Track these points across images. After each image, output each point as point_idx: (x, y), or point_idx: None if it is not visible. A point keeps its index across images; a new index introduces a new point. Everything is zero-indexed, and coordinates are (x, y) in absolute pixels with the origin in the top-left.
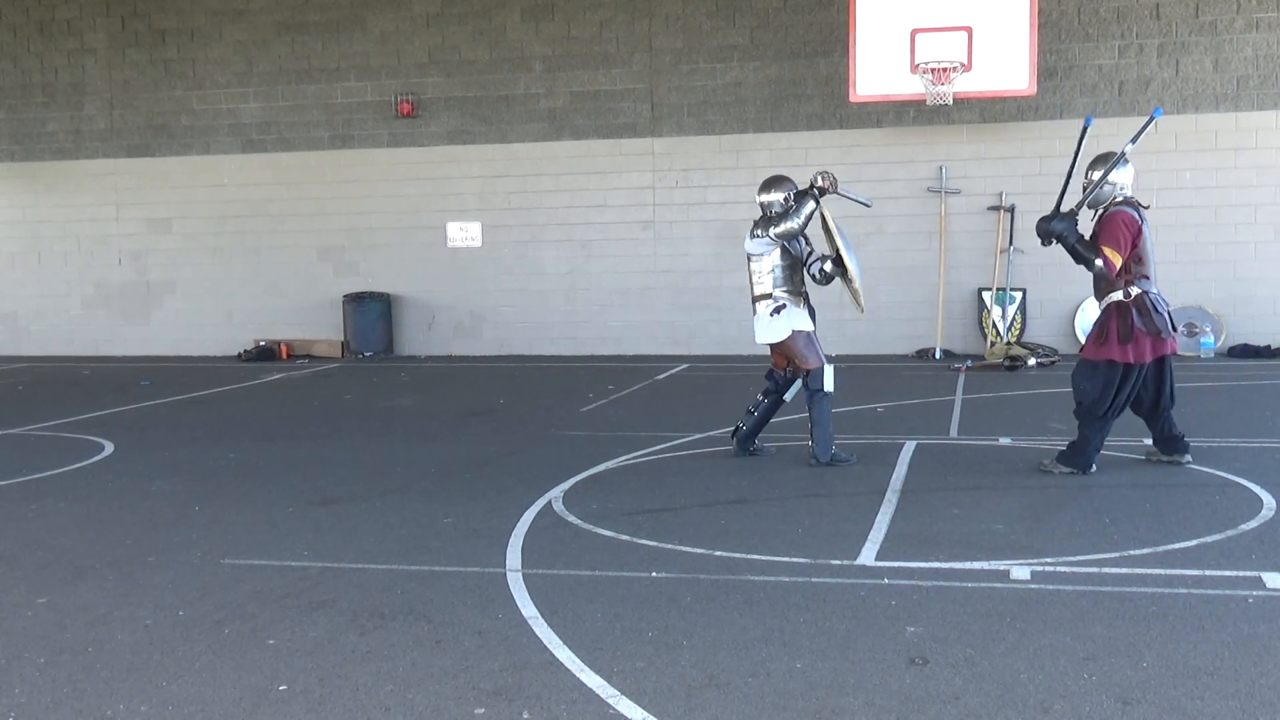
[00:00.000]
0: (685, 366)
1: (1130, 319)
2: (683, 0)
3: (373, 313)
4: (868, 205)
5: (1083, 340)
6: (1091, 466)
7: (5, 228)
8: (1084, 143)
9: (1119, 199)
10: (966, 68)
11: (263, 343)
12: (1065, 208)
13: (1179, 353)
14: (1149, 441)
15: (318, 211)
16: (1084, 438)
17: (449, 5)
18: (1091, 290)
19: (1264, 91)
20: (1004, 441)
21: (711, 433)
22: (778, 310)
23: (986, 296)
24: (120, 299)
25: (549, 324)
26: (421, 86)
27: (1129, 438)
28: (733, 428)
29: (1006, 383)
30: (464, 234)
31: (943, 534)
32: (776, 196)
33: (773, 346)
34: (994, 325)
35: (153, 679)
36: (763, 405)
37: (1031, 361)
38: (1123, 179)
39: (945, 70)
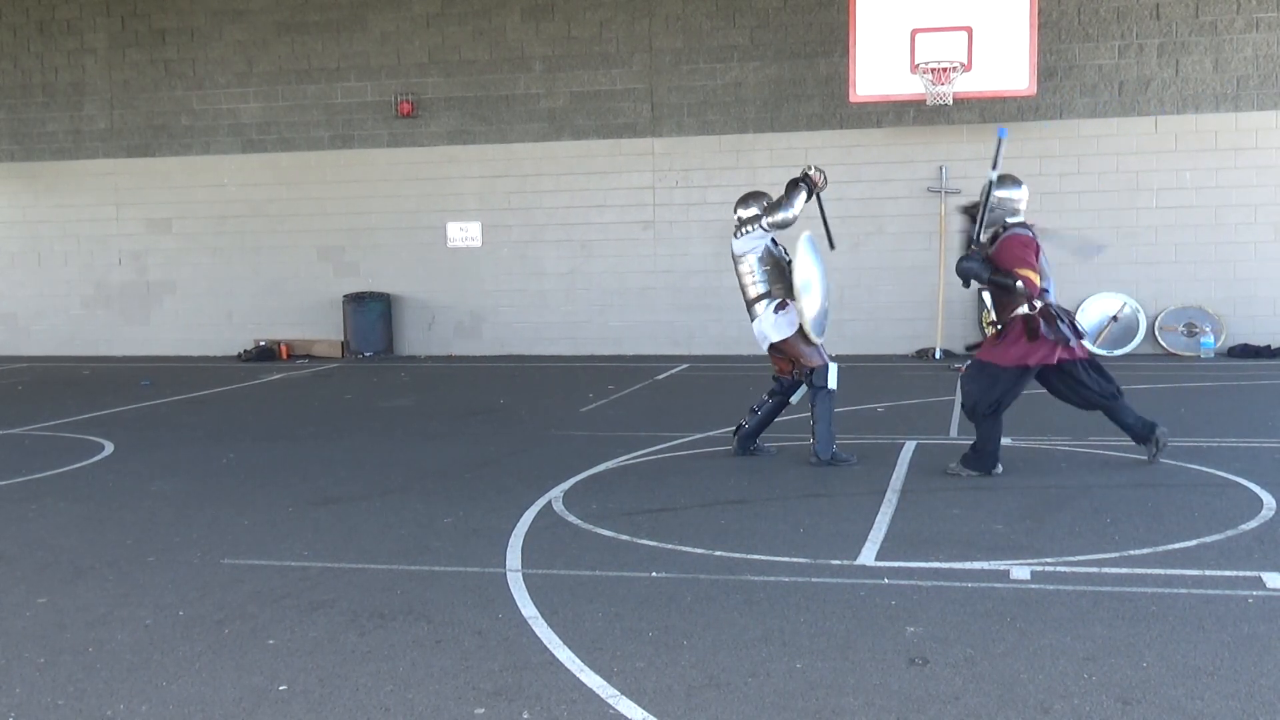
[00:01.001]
0: (685, 366)
1: (1038, 328)
2: (683, 0)
3: (373, 313)
4: (828, 236)
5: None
6: (995, 467)
7: (5, 228)
8: (1001, 155)
9: (1015, 220)
10: (966, 68)
11: (263, 343)
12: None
13: (1178, 352)
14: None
15: (318, 211)
16: (982, 438)
17: (449, 5)
18: (1091, 290)
19: (1264, 91)
20: (1004, 441)
21: (711, 433)
22: (781, 306)
23: (986, 296)
24: (120, 299)
25: (549, 324)
26: (421, 86)
27: (1129, 438)
28: (735, 426)
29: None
30: (464, 234)
31: (943, 534)
32: (754, 211)
33: (774, 350)
34: (994, 325)
35: (153, 679)
36: (767, 405)
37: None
38: (1020, 197)
39: (945, 70)
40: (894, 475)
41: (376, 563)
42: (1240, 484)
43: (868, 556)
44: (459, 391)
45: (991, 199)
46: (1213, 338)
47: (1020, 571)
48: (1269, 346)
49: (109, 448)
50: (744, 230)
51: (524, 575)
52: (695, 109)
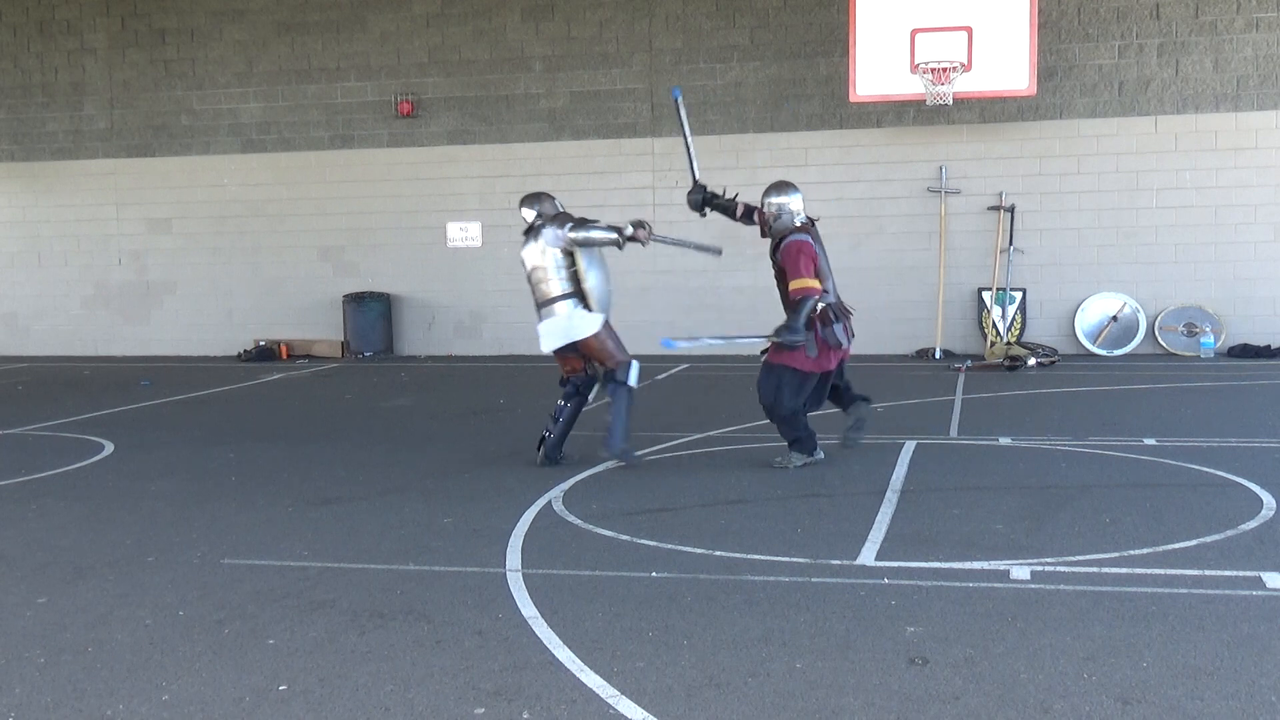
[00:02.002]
0: (685, 366)
1: (816, 332)
2: (683, 0)
3: (373, 313)
4: (713, 252)
5: (1083, 340)
6: (816, 450)
7: (5, 228)
8: (683, 113)
9: (796, 225)
10: (966, 68)
11: (263, 343)
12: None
13: (1178, 352)
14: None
15: (318, 211)
16: (789, 433)
17: (449, 5)
18: (1091, 290)
19: (1264, 91)
20: (1004, 441)
21: (711, 433)
22: (584, 306)
23: (986, 296)
24: (120, 299)
25: None
26: (421, 86)
27: (1129, 438)
28: (539, 438)
29: (1006, 383)
30: (464, 234)
31: (943, 534)
32: (549, 210)
33: (565, 350)
34: (994, 325)
35: (153, 679)
36: (566, 410)
37: (1031, 361)
38: (795, 205)
39: (945, 70)
40: (894, 475)
41: (376, 563)
42: (1240, 484)
43: (868, 556)
44: (459, 391)
45: (768, 205)
46: (1213, 338)
47: (1020, 571)
48: (1269, 346)
49: (109, 448)
50: (540, 231)
51: (524, 575)
52: (695, 109)
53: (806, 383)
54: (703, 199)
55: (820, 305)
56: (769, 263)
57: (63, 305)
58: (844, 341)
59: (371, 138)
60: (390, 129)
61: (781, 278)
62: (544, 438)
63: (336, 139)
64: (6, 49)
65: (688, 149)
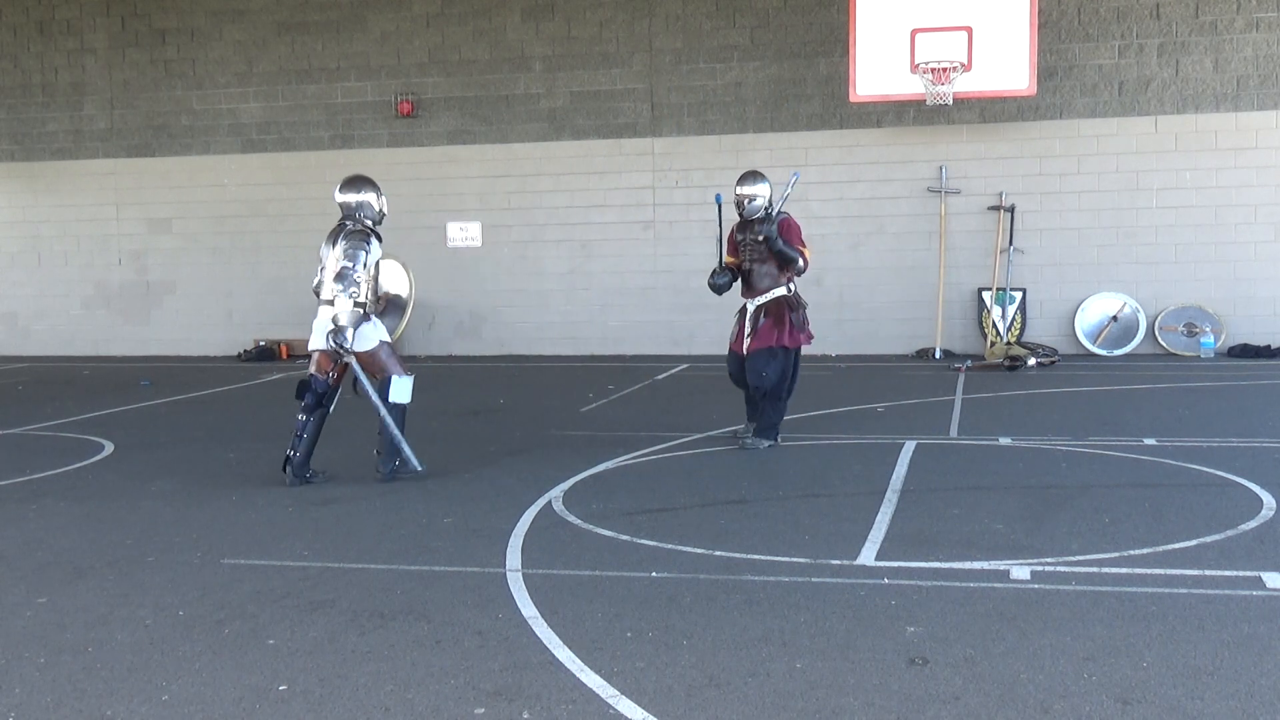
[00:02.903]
0: (685, 366)
1: (800, 311)
2: (683, 0)
3: None
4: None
5: (1083, 340)
6: (778, 435)
7: (5, 228)
8: (720, 217)
9: (770, 209)
10: (966, 68)
11: (262, 343)
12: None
13: (1178, 352)
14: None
15: (318, 211)
16: (776, 413)
17: (449, 5)
18: (1091, 290)
19: (1264, 91)
20: (1004, 441)
21: (711, 433)
22: (369, 317)
23: (986, 296)
24: (120, 299)
25: (549, 324)
26: (421, 86)
27: (1129, 438)
28: (284, 459)
29: (1006, 383)
30: (464, 234)
31: (943, 534)
32: (365, 197)
33: (325, 354)
34: (994, 325)
35: (153, 679)
36: (309, 425)
37: (1031, 361)
38: (766, 193)
39: (945, 70)
40: (894, 475)
41: (376, 563)
42: (1240, 484)
43: (868, 556)
44: (459, 391)
45: (740, 194)
46: (1213, 338)
47: (1020, 571)
48: (1269, 346)
49: (109, 448)
50: (369, 230)
51: (524, 575)
52: (695, 109)
53: (796, 361)
54: (728, 281)
55: (793, 288)
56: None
57: (63, 305)
58: (808, 324)
59: (371, 138)
60: (390, 129)
61: (760, 257)
62: (289, 458)
63: (336, 139)
64: (6, 49)
65: (720, 244)
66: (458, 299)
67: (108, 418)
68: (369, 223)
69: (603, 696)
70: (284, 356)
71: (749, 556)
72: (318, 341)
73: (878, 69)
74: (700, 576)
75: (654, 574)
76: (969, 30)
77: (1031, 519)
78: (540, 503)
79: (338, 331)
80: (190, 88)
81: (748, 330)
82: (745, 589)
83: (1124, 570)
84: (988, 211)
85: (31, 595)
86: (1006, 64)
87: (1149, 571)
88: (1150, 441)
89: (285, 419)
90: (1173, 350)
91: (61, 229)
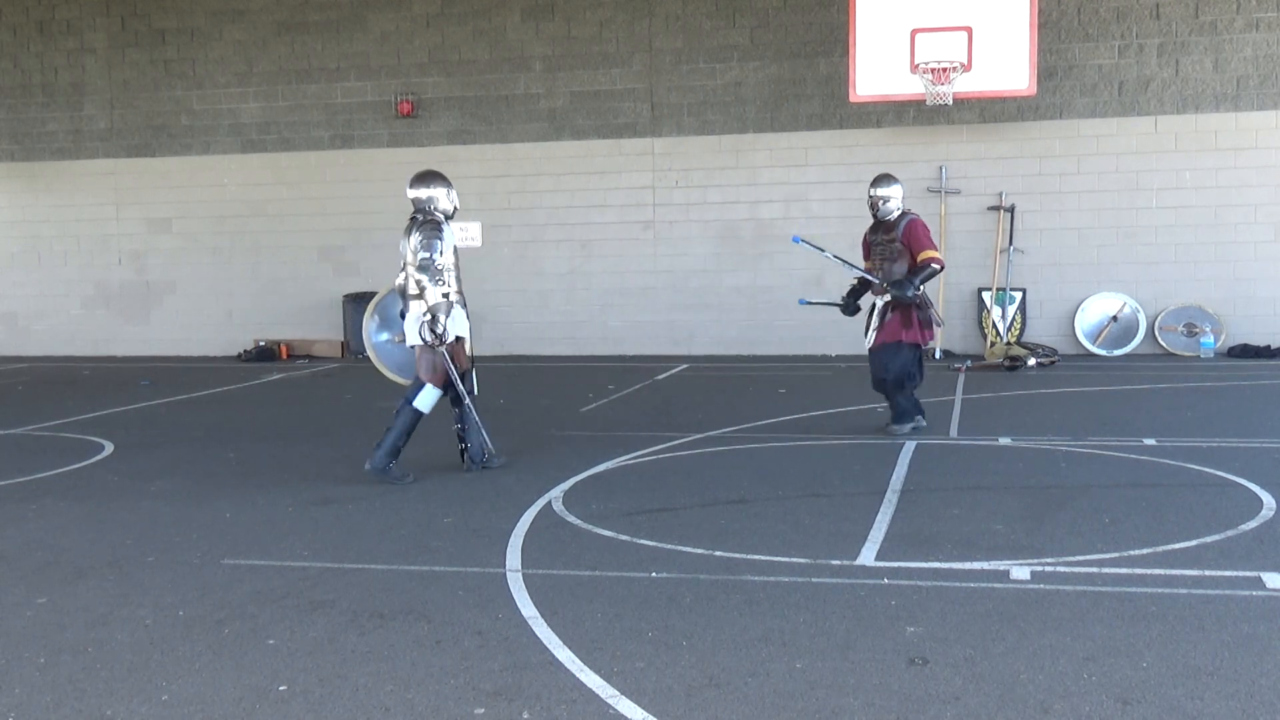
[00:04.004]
0: (685, 366)
1: (926, 309)
2: (683, 0)
3: None
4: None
5: (1083, 340)
6: (916, 417)
7: (5, 228)
8: (814, 246)
9: (902, 210)
10: (966, 68)
11: (262, 343)
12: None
13: (1177, 352)
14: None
15: (318, 211)
16: (907, 400)
17: (449, 5)
18: (1091, 290)
19: (1264, 91)
20: (1004, 441)
21: (711, 433)
22: (452, 309)
23: (986, 296)
24: (120, 299)
25: (549, 324)
26: (421, 86)
27: (1129, 438)
28: (460, 452)
29: (1006, 383)
30: (464, 234)
31: (943, 534)
32: (434, 192)
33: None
34: (994, 325)
35: (153, 679)
36: (463, 415)
37: (1031, 361)
38: (900, 194)
39: (945, 70)
40: (894, 475)
41: (376, 563)
42: (1240, 484)
43: (868, 556)
44: None
45: (874, 195)
46: (1212, 338)
47: (1020, 571)
48: (1269, 346)
49: (109, 448)
50: (440, 224)
51: (524, 575)
52: (695, 109)
53: (921, 356)
54: (857, 309)
55: (923, 289)
56: (768, 263)
57: (63, 305)
58: (938, 321)
59: (371, 138)
60: (390, 129)
61: (893, 257)
62: (464, 452)
63: (336, 139)
64: (6, 49)
65: (844, 262)
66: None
67: (108, 418)
68: (440, 215)
69: (603, 696)
70: (284, 356)
71: (749, 556)
72: (414, 337)
73: (878, 69)
74: (700, 576)
75: (654, 574)
76: (969, 30)
77: (1031, 519)
78: (540, 503)
79: (433, 321)
80: (190, 88)
81: (874, 325)
82: (745, 589)
83: (1124, 570)
84: (988, 211)
85: (31, 595)
86: (1006, 64)
87: (1149, 571)
88: (1150, 441)
89: (285, 419)
90: (1173, 350)
91: (61, 229)
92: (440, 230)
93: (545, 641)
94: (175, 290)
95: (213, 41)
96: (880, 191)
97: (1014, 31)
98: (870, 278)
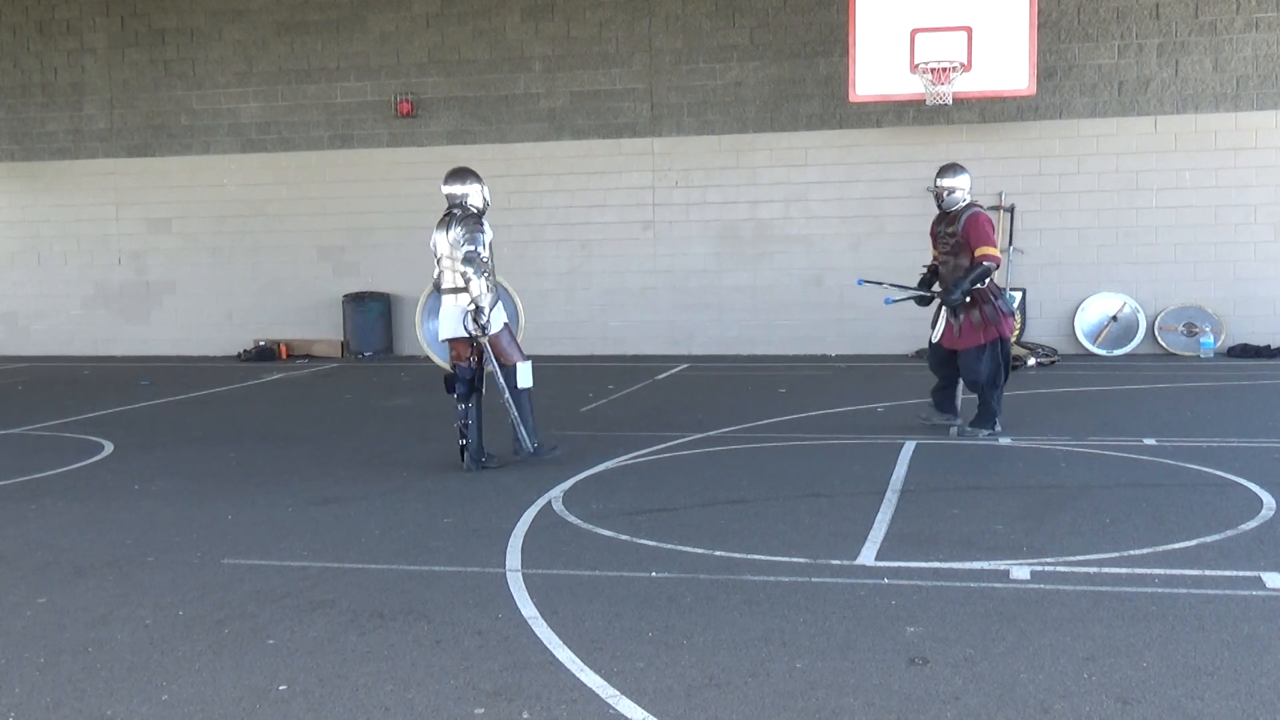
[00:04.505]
0: (685, 366)
1: (994, 302)
2: (683, 0)
3: (373, 313)
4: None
5: (1083, 340)
6: (995, 423)
7: (5, 228)
8: (881, 285)
9: (967, 202)
10: (966, 68)
11: (262, 343)
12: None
13: (1177, 352)
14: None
15: (318, 211)
16: (995, 402)
17: (449, 5)
18: (1091, 290)
19: (1264, 91)
20: (1004, 441)
21: (711, 433)
22: (496, 301)
23: None
24: (120, 299)
25: (549, 324)
26: (421, 86)
27: (1129, 438)
28: (460, 449)
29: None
30: None
31: (943, 534)
32: (469, 188)
33: (463, 339)
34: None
35: (153, 679)
36: (472, 413)
37: (1031, 361)
38: (967, 185)
39: (945, 70)
40: (894, 475)
41: (376, 563)
42: (1240, 484)
43: (868, 556)
44: None
45: (940, 186)
46: (1212, 338)
47: (1020, 571)
48: (1269, 346)
49: (109, 448)
50: (480, 218)
51: (524, 575)
52: (695, 109)
53: (1007, 345)
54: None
55: (988, 280)
56: (768, 263)
57: (63, 305)
58: (1011, 308)
59: (371, 138)
60: (390, 129)
61: (955, 250)
62: (464, 448)
63: (336, 139)
64: (6, 49)
65: (906, 289)
66: None
67: (108, 418)
68: (474, 209)
69: (603, 696)
70: (284, 356)
71: (749, 556)
72: (450, 330)
73: (877, 69)
74: (700, 576)
75: (654, 574)
76: (969, 30)
77: (1031, 519)
78: (540, 503)
79: (479, 312)
80: (190, 88)
81: (953, 327)
82: (745, 589)
83: (1124, 570)
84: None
85: (31, 595)
86: (1006, 64)
87: (1149, 571)
88: (1150, 441)
89: (285, 419)
90: (1173, 350)
91: (61, 229)
92: (481, 224)
93: (545, 641)
94: (175, 290)
95: (213, 41)
96: (945, 182)
97: (1014, 31)
98: (923, 293)
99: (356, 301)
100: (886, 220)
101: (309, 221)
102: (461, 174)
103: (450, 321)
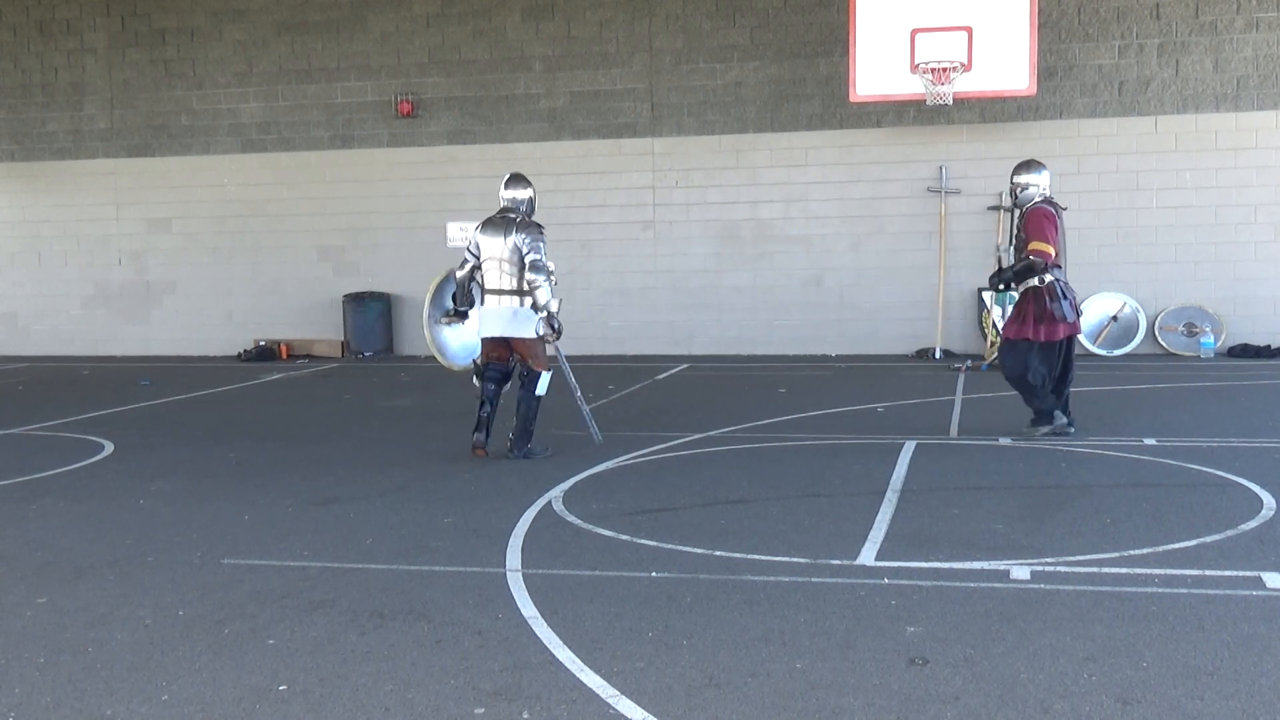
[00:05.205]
0: (685, 366)
1: (1044, 303)
2: (683, 0)
3: (373, 313)
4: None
5: (1082, 340)
6: (1053, 418)
7: (5, 228)
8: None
9: (1038, 199)
10: (966, 68)
11: (262, 343)
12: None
13: (1178, 352)
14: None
15: (318, 211)
16: (1036, 402)
17: (449, 5)
18: (1091, 290)
19: (1264, 91)
20: (1004, 441)
21: (711, 433)
22: (534, 306)
23: (986, 296)
24: (120, 299)
25: None
26: (421, 86)
27: (1129, 438)
28: (477, 421)
29: (1006, 383)
30: (464, 234)
31: (943, 534)
32: (526, 193)
33: (501, 340)
34: (994, 325)
35: (153, 679)
36: (495, 393)
37: None
38: (1043, 182)
39: (945, 70)
40: (894, 475)
41: (376, 563)
42: (1240, 484)
43: (868, 556)
44: (459, 391)
45: (1016, 182)
46: (1213, 338)
47: (1020, 571)
48: (1269, 346)
49: (109, 448)
50: (538, 224)
51: (524, 575)
52: (695, 109)
53: (1047, 352)
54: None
55: (1048, 279)
56: (768, 263)
57: (63, 305)
58: (1070, 316)
59: (371, 138)
60: (390, 129)
61: (1020, 246)
62: (482, 418)
63: (336, 139)
64: (6, 49)
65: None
66: None
67: (108, 418)
68: (526, 215)
69: (603, 696)
70: (284, 356)
71: (749, 556)
72: (492, 328)
73: (878, 69)
74: (700, 576)
75: (654, 574)
76: (969, 30)
77: (1031, 519)
78: (540, 503)
79: (551, 316)
80: (190, 88)
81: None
82: (745, 589)
83: (1124, 570)
84: (988, 211)
85: (31, 595)
86: (1006, 64)
87: (1149, 571)
88: (1150, 441)
89: (285, 419)
90: (1173, 350)
91: (61, 229)
92: (541, 231)
93: (545, 641)
94: (175, 290)
95: (213, 41)
96: (1017, 179)
97: (1014, 31)
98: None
99: (356, 301)
100: (886, 220)
101: (309, 221)
102: (521, 180)
103: (493, 320)
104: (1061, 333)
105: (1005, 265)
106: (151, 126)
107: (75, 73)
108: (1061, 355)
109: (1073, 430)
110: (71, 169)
